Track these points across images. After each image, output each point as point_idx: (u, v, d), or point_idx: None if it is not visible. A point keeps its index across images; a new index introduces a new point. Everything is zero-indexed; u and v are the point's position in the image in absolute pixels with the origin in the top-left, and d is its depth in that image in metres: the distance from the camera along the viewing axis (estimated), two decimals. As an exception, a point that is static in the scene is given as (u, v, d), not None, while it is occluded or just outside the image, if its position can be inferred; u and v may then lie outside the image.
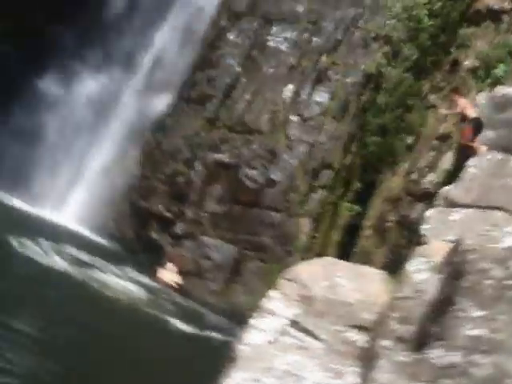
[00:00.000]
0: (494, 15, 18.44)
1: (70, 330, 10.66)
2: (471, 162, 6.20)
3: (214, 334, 14.55)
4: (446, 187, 6.33)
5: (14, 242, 15.24)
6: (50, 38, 24.88)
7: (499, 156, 6.18)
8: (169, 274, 19.91)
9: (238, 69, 23.56)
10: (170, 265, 20.19)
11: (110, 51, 25.83)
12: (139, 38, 25.98)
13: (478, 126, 11.87)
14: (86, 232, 22.38)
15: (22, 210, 21.33)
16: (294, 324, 4.58)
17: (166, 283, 19.45)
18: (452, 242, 4.50)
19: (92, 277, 15.30)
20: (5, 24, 24.28)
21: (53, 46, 24.80)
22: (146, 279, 18.16)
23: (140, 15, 26.16)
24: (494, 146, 6.39)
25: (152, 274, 19.52)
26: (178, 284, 19.77)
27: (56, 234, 18.90)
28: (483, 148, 12.74)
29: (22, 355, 8.98)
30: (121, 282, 16.00)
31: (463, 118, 12.96)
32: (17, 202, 22.10)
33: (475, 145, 12.88)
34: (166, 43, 25.74)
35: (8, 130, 23.84)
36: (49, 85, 25.18)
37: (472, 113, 12.72)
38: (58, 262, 15.38)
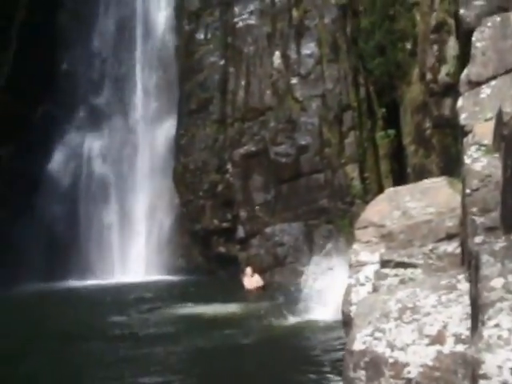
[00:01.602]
0: None
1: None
2: (474, 36, 6.08)
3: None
4: (464, 71, 6.22)
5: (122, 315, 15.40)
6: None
7: (498, 18, 6.04)
8: (251, 280, 19.85)
9: (222, 62, 23.53)
10: (248, 269, 20.12)
11: (96, 103, 26.07)
12: (117, 80, 26.21)
13: None
14: (163, 278, 22.49)
15: (93, 287, 21.32)
16: (387, 264, 4.56)
17: (252, 289, 19.41)
18: (493, 118, 4.44)
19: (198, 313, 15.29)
20: None
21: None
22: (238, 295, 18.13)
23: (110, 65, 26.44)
24: (489, 11, 6.25)
25: (240, 287, 19.58)
26: (261, 285, 19.62)
27: (142, 293, 19.08)
28: None
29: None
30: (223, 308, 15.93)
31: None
32: (80, 283, 22.11)
33: None
34: (146, 72, 25.92)
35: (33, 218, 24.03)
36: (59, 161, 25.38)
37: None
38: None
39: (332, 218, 20.79)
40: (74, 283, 21.96)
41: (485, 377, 2.66)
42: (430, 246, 4.66)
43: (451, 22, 15.45)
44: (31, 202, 24.17)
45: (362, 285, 5.19)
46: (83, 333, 13.09)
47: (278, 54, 22.45)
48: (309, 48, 22.14)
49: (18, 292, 19.88)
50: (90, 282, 22.02)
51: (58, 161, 25.22)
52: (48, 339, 12.69)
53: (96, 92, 26.16)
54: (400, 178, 19.34)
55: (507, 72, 5.83)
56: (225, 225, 22.62)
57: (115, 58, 26.36)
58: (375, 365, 3.35)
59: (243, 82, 22.88)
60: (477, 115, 5.38)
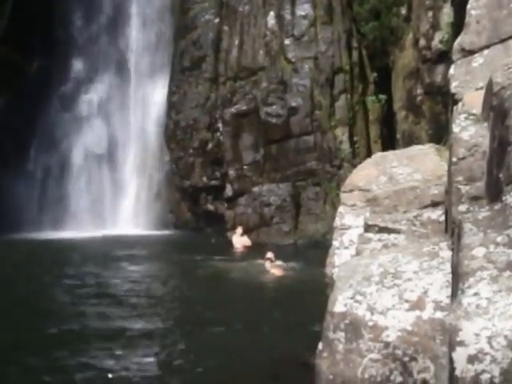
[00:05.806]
0: None
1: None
2: (470, 4, 6.04)
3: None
4: (457, 39, 6.18)
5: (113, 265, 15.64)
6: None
7: (494, -14, 5.99)
8: (240, 239, 19.94)
9: (217, 20, 23.31)
10: (239, 229, 20.18)
11: (91, 57, 25.86)
12: (112, 34, 25.99)
13: None
14: (152, 232, 22.60)
15: (83, 239, 21.32)
16: (371, 228, 4.60)
17: (239, 247, 19.52)
18: (484, 87, 4.44)
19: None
20: None
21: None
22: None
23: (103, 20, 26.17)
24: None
25: (225, 245, 19.73)
26: (248, 245, 19.72)
27: (133, 245, 19.25)
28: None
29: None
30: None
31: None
32: (70, 234, 22.18)
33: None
34: (142, 27, 25.72)
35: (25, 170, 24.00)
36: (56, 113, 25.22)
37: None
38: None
39: (319, 180, 20.86)
40: (64, 234, 21.97)
41: (462, 344, 2.71)
42: (415, 213, 4.69)
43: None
44: (24, 152, 24.14)
45: (346, 248, 5.24)
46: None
47: (272, 14, 22.27)
48: (303, 9, 21.97)
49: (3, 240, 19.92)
50: (80, 234, 22.03)
51: (51, 113, 25.07)
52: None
53: (92, 46, 25.93)
54: (389, 144, 19.38)
55: (500, 42, 5.81)
56: (213, 182, 22.66)
57: (112, 12, 26.08)
58: (355, 327, 3.39)
59: (237, 42, 22.72)
60: (468, 84, 5.37)
